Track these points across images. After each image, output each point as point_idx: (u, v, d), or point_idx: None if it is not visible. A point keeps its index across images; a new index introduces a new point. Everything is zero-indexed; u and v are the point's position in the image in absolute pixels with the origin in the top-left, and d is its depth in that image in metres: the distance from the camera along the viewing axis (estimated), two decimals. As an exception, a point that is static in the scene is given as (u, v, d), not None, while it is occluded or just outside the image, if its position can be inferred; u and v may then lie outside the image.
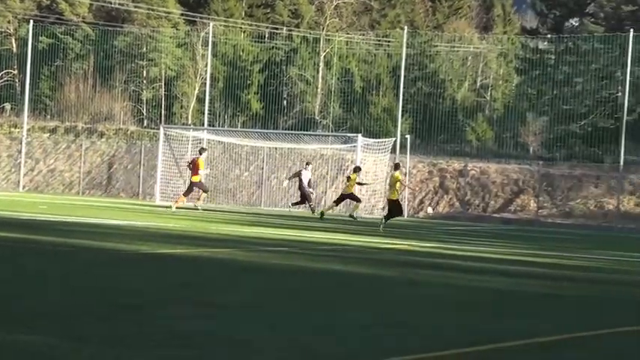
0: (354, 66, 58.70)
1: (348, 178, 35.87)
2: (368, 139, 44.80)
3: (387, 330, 9.03)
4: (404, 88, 48.16)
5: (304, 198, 38.18)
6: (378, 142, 44.91)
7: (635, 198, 42.87)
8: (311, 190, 38.59)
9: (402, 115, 48.92)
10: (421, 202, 45.92)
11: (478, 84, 63.35)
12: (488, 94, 62.86)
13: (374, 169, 44.24)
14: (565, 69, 51.37)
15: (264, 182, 46.15)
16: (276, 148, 46.26)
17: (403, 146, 45.18)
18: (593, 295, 13.75)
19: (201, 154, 36.28)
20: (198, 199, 36.31)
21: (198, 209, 35.04)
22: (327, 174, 45.47)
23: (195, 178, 35.05)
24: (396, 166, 31.70)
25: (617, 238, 34.42)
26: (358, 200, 36.22)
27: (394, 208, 29.79)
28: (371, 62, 59.83)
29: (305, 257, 17.50)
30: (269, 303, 10.69)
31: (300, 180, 38.12)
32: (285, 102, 58.49)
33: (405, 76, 48.37)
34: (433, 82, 58.38)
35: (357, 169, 36.22)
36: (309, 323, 9.17)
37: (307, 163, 39.65)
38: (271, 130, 50.07)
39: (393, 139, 45.64)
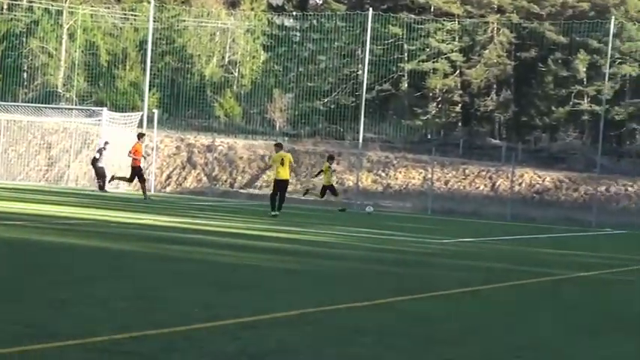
0: (99, 39, 57.53)
1: (324, 169, 35.53)
2: (114, 112, 44.27)
3: (126, 304, 9.03)
4: (151, 62, 47.78)
5: (100, 175, 38.24)
6: (125, 116, 44.43)
7: (372, 175, 44.33)
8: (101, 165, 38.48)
9: (150, 90, 48.52)
10: (168, 177, 45.72)
11: (226, 60, 63.55)
12: (236, 70, 63.17)
13: (120, 143, 43.63)
14: (310, 46, 52.42)
15: (2, 155, 44.52)
16: (14, 121, 44.73)
17: (150, 120, 44.81)
18: (328, 270, 14.19)
19: (139, 139, 34.66)
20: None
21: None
22: (70, 148, 44.47)
23: (136, 164, 33.81)
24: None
25: (355, 214, 35.57)
26: (335, 194, 35.79)
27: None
28: (117, 36, 58.85)
29: (47, 232, 17.10)
30: (3, 278, 10.43)
31: (96, 158, 38.29)
32: (25, 74, 56.63)
33: (152, 51, 48.02)
34: (181, 57, 58.16)
35: (330, 158, 36.09)
36: (47, 298, 9.03)
37: (106, 142, 39.52)
38: (9, 103, 48.29)
39: (141, 113, 45.25)
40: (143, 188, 34.48)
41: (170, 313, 8.69)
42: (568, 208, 39.64)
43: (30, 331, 7.26)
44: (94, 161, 38.48)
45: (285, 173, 27.78)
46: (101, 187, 38.05)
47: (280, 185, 27.80)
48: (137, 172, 34.09)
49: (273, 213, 26.97)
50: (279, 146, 29.34)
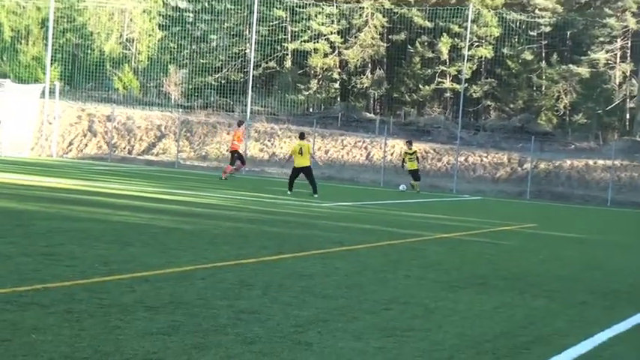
0: (3, 17, 55.93)
1: (407, 153, 33.42)
2: (17, 84, 43.33)
3: (29, 259, 8.84)
4: (53, 38, 46.76)
5: None
6: (27, 88, 43.62)
7: (259, 144, 44.30)
8: None
9: (52, 64, 47.42)
10: (70, 143, 44.84)
11: (124, 37, 62.46)
12: (134, 46, 62.15)
13: (23, 112, 42.58)
14: (202, 26, 52.01)
15: None
16: None
17: (52, 92, 43.91)
18: (219, 230, 14.14)
19: (239, 126, 32.64)
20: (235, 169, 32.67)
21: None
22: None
23: (234, 148, 31.78)
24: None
25: (243, 180, 35.50)
26: (417, 179, 33.37)
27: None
28: (20, 14, 57.27)
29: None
30: None
31: None
32: None
33: (54, 28, 46.97)
34: (82, 34, 56.96)
35: (408, 143, 34.37)
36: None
37: None
38: None
39: (43, 85, 44.36)
40: (236, 168, 32.73)
41: (71, 267, 8.54)
42: (433, 176, 40.30)
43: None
44: None
45: (302, 161, 26.35)
46: None
47: (299, 172, 26.42)
48: (237, 154, 32.02)
49: (288, 192, 25.91)
50: (301, 136, 28.32)
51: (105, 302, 6.99)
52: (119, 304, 6.95)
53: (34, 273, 8.05)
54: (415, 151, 34.11)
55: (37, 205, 15.49)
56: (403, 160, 34.10)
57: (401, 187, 33.87)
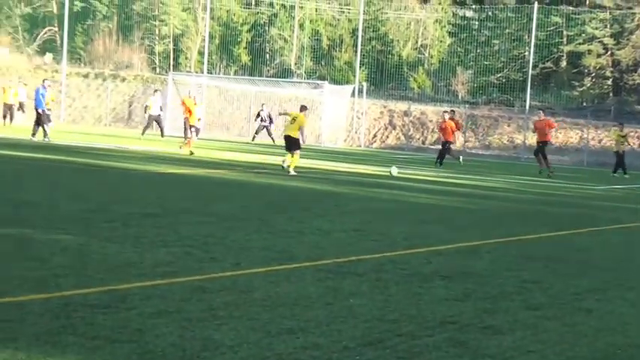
0: (322, 28, 58.06)
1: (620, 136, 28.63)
2: (333, 85, 44.84)
3: (345, 235, 9.11)
4: (361, 46, 47.98)
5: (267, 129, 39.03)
6: (341, 88, 44.95)
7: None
8: (264, 123, 38.98)
9: (360, 67, 48.68)
10: (374, 135, 45.88)
11: (419, 44, 62.83)
12: (427, 52, 62.38)
13: (337, 109, 44.09)
14: (486, 32, 51.25)
15: (251, 118, 45.72)
16: (260, 92, 45.84)
17: (360, 92, 45.09)
18: (502, 209, 13.87)
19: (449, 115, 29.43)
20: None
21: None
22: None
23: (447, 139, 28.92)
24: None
25: (523, 166, 34.67)
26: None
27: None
28: (335, 25, 59.21)
29: (279, 178, 17.44)
30: (252, 213, 10.72)
31: (260, 116, 39.16)
32: (267, 55, 57.87)
33: (362, 37, 48.17)
34: (384, 42, 57.97)
35: (620, 124, 29.34)
36: (286, 230, 9.21)
37: (263, 104, 40.41)
38: (257, 78, 49.58)
39: (353, 86, 45.62)
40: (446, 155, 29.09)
41: (378, 242, 8.71)
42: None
43: (275, 255, 7.44)
44: (262, 121, 39.44)
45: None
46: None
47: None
48: (445, 146, 29.05)
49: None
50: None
51: (407, 272, 7.06)
52: (419, 274, 7.01)
53: (349, 246, 8.30)
54: (626, 135, 29.37)
55: (349, 188, 15.98)
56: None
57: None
